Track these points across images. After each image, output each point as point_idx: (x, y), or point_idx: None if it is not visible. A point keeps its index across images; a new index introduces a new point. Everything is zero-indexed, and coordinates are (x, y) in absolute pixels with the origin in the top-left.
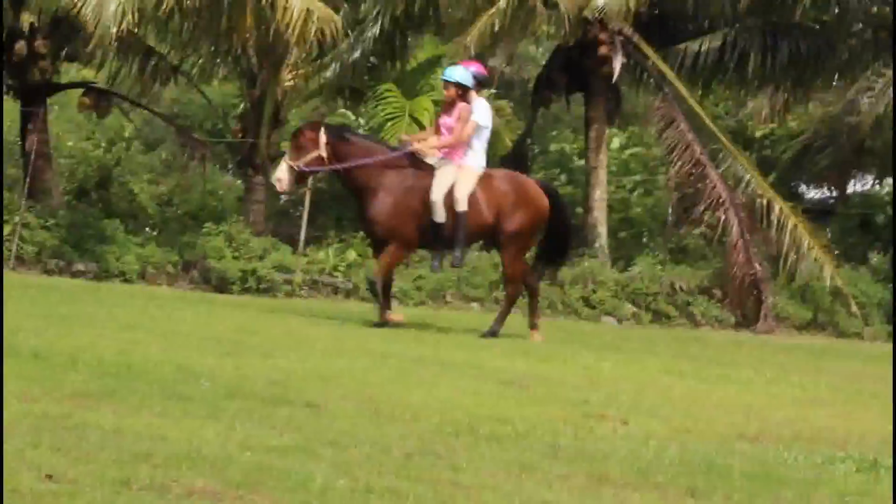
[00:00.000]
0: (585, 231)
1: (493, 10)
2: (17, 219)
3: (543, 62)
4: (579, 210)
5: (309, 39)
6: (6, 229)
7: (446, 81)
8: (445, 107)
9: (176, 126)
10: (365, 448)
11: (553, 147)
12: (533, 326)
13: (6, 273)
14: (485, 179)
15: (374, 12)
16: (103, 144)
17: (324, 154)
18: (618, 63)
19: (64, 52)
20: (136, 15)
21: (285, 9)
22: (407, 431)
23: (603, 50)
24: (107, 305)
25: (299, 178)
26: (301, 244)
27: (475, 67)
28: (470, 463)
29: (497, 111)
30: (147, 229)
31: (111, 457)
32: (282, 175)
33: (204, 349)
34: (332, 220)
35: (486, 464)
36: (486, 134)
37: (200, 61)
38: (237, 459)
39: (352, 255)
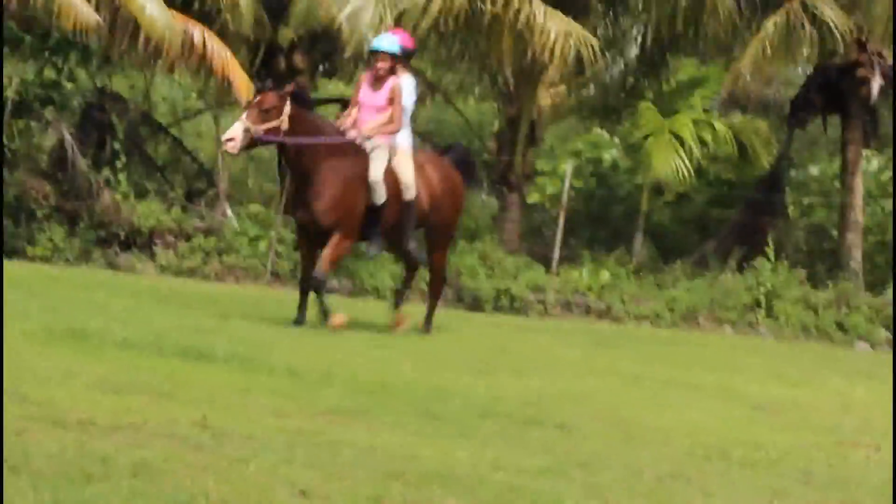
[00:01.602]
0: (840, 254)
1: (762, 33)
2: (272, 234)
3: (799, 83)
4: (834, 233)
5: (566, 60)
6: (263, 244)
7: (379, 52)
8: (372, 81)
9: (432, 143)
10: (616, 470)
11: (810, 169)
12: (396, 306)
13: (263, 288)
14: (416, 163)
15: (634, 32)
16: None
17: (284, 126)
18: (876, 84)
19: (322, 68)
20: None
21: (542, 31)
22: (658, 454)
23: (861, 72)
24: (360, 323)
25: (250, 143)
26: (554, 263)
27: (401, 37)
28: (721, 488)
29: (755, 132)
30: None
31: (364, 474)
32: (236, 135)
33: (457, 368)
34: (585, 240)
35: (737, 489)
36: (410, 111)
37: (457, 79)
38: (488, 480)
39: (605, 275)
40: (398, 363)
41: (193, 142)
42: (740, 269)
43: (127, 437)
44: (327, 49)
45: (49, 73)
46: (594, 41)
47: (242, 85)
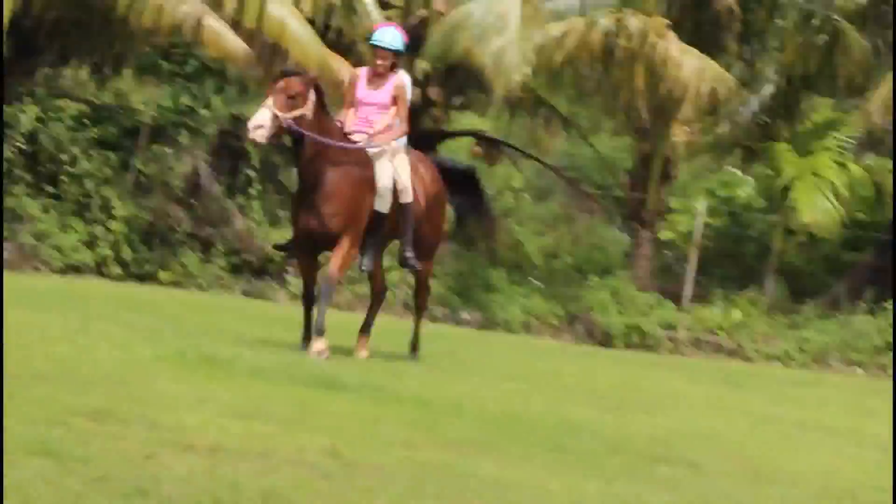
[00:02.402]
0: None
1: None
2: None
3: None
4: None
5: (701, 96)
6: (394, 275)
7: (380, 48)
8: (370, 77)
9: (565, 178)
10: None
11: None
12: (365, 330)
13: (394, 318)
14: (411, 164)
15: (768, 71)
16: (489, 193)
17: (309, 115)
18: None
19: (457, 101)
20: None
21: (678, 66)
22: (787, 496)
23: None
24: (491, 355)
25: (278, 131)
26: (686, 301)
27: (400, 31)
28: None
29: (888, 173)
30: (532, 280)
31: None
32: (264, 122)
33: (587, 403)
34: (717, 278)
35: None
36: None
37: (591, 114)
38: None
39: (737, 314)
40: (528, 396)
41: None
42: (872, 310)
43: (256, 463)
44: (461, 82)
45: (185, 100)
46: (730, 79)
47: None
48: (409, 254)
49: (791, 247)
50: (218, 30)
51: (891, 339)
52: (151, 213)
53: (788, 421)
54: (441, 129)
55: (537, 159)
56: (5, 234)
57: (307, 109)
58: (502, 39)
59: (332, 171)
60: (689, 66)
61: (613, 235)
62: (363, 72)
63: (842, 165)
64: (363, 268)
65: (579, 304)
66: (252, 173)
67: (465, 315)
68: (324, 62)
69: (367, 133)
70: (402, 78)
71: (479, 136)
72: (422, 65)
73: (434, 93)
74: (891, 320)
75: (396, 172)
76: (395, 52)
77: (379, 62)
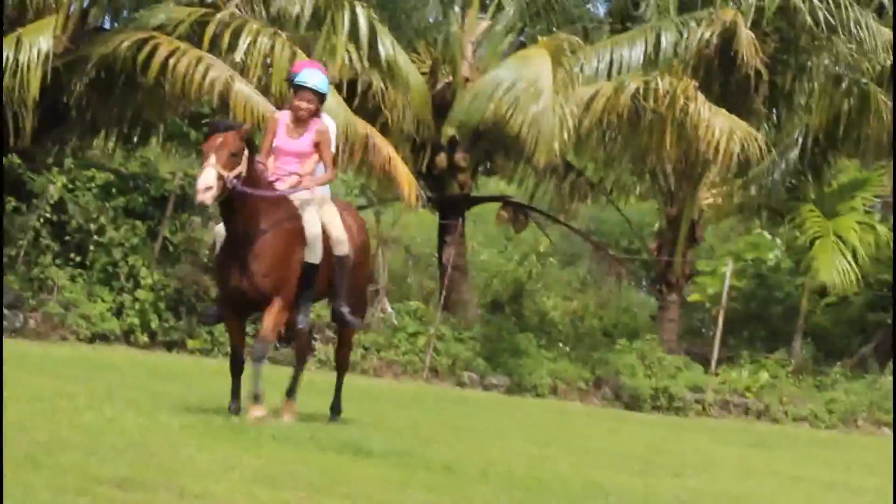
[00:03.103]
0: None
1: None
2: (431, 330)
3: None
4: None
5: (731, 156)
6: (422, 340)
7: (304, 88)
8: (295, 122)
9: (593, 242)
10: None
11: None
12: (291, 394)
13: (421, 384)
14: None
15: (796, 134)
16: (515, 258)
17: (244, 173)
18: None
19: (483, 166)
20: (571, 133)
21: (707, 127)
22: None
23: None
24: (518, 420)
25: (222, 192)
26: (713, 363)
27: (322, 71)
28: None
29: None
30: (560, 344)
31: None
32: (211, 182)
33: (614, 466)
34: (744, 340)
35: None
36: None
37: (618, 178)
38: None
39: (764, 375)
40: (555, 460)
41: None
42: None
43: None
44: (488, 147)
45: None
46: (759, 137)
47: (405, 181)
48: (345, 309)
49: (818, 308)
50: (247, 94)
51: None
52: (179, 281)
53: (816, 482)
54: (468, 195)
55: (564, 224)
56: (33, 303)
57: (243, 166)
58: (538, 106)
59: (261, 225)
60: (719, 126)
61: (640, 299)
62: (283, 117)
63: (867, 226)
64: (300, 325)
65: (607, 368)
66: None
67: (492, 380)
68: (353, 131)
69: (293, 176)
70: (326, 123)
71: (506, 202)
72: (448, 130)
73: (460, 158)
74: None
75: (328, 222)
76: (321, 96)
77: (303, 105)
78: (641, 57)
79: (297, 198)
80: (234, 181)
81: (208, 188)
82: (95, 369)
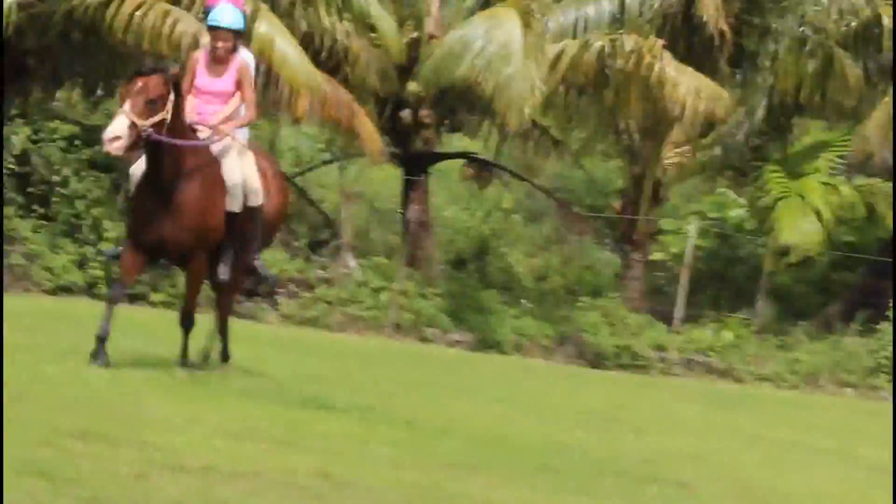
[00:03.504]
0: None
1: (888, 98)
2: (395, 285)
3: None
4: None
5: (696, 118)
6: (385, 296)
7: (219, 28)
8: (208, 62)
9: (556, 200)
10: None
11: None
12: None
13: (384, 339)
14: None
15: (760, 95)
16: (479, 214)
17: (167, 120)
18: None
19: (448, 123)
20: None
21: (674, 85)
22: None
23: None
24: (481, 376)
25: (136, 142)
26: (677, 322)
27: (240, 7)
28: None
29: (880, 195)
30: (523, 301)
31: None
32: (121, 131)
33: (577, 424)
34: (709, 298)
35: None
36: None
37: (583, 136)
38: None
39: (728, 335)
40: (517, 417)
41: (318, 192)
42: (863, 332)
43: (247, 484)
44: (452, 104)
45: None
46: (726, 96)
47: (370, 137)
48: (260, 262)
49: (782, 268)
50: None
51: (882, 361)
52: None
53: (779, 442)
54: (432, 151)
55: (528, 181)
56: None
57: (167, 113)
58: (509, 69)
59: (185, 176)
60: (686, 85)
61: (604, 257)
62: (201, 56)
63: (832, 187)
64: (221, 276)
65: (570, 325)
66: None
67: (456, 336)
68: (316, 84)
69: (207, 126)
70: (246, 58)
71: (471, 158)
72: (413, 87)
73: (425, 115)
74: (882, 342)
75: (245, 170)
76: (236, 33)
77: (219, 44)
78: (606, 15)
79: (216, 142)
80: (149, 130)
81: (116, 138)
82: (59, 322)
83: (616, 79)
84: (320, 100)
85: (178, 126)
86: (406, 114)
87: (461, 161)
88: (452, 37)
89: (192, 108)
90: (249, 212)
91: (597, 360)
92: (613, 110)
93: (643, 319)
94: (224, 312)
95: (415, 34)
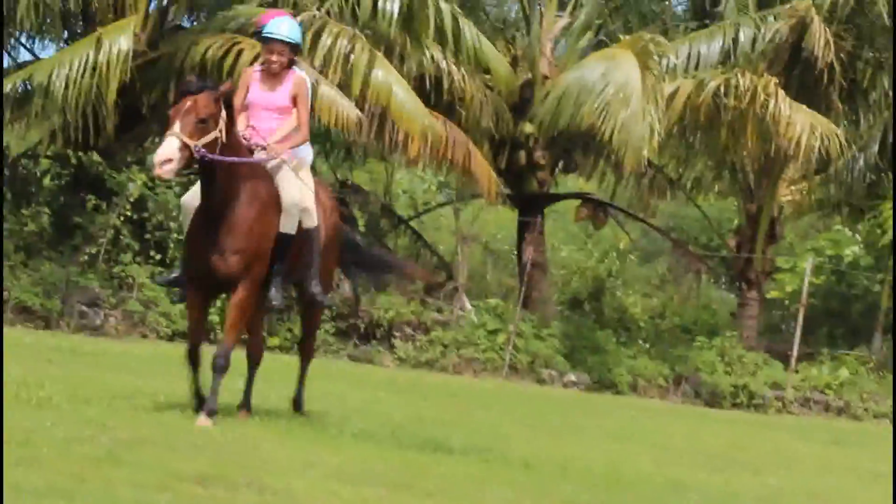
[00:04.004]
0: None
1: None
2: (511, 327)
3: None
4: None
5: (811, 152)
6: (501, 338)
7: (275, 40)
8: (264, 77)
9: (672, 239)
10: None
11: None
12: (246, 405)
13: (501, 381)
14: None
15: (875, 129)
16: (595, 255)
17: (223, 139)
18: None
19: (562, 164)
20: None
21: (788, 123)
22: None
23: None
24: (598, 416)
25: (187, 164)
26: (793, 360)
27: (296, 21)
28: None
29: None
30: (639, 341)
31: None
32: (171, 154)
33: (694, 464)
34: (824, 336)
35: None
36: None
37: (697, 175)
38: None
39: (844, 372)
40: (634, 456)
41: (433, 235)
42: None
43: None
44: (568, 145)
45: None
46: (840, 133)
47: (484, 177)
48: (317, 288)
49: None
50: (331, 97)
51: None
52: None
53: None
54: (547, 192)
55: (643, 220)
56: (113, 301)
57: (219, 132)
58: (627, 111)
59: (241, 197)
60: (800, 122)
61: (720, 295)
62: (255, 71)
63: None
64: (274, 303)
65: (686, 365)
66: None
67: (572, 377)
68: (425, 119)
69: (262, 144)
70: (302, 75)
71: (585, 199)
72: (528, 128)
73: (539, 156)
74: None
75: (299, 189)
76: (293, 47)
77: (273, 58)
78: (718, 53)
79: (271, 160)
80: (202, 150)
81: (167, 160)
82: (175, 367)
83: (730, 117)
84: (436, 142)
85: (234, 145)
86: (521, 155)
87: (576, 202)
88: (568, 78)
89: (246, 123)
90: (307, 234)
91: (713, 400)
92: (727, 148)
93: (759, 358)
94: (306, 355)
95: (528, 75)
